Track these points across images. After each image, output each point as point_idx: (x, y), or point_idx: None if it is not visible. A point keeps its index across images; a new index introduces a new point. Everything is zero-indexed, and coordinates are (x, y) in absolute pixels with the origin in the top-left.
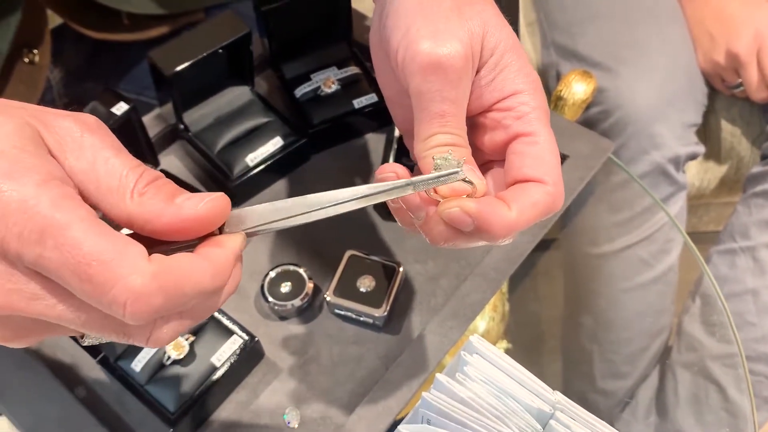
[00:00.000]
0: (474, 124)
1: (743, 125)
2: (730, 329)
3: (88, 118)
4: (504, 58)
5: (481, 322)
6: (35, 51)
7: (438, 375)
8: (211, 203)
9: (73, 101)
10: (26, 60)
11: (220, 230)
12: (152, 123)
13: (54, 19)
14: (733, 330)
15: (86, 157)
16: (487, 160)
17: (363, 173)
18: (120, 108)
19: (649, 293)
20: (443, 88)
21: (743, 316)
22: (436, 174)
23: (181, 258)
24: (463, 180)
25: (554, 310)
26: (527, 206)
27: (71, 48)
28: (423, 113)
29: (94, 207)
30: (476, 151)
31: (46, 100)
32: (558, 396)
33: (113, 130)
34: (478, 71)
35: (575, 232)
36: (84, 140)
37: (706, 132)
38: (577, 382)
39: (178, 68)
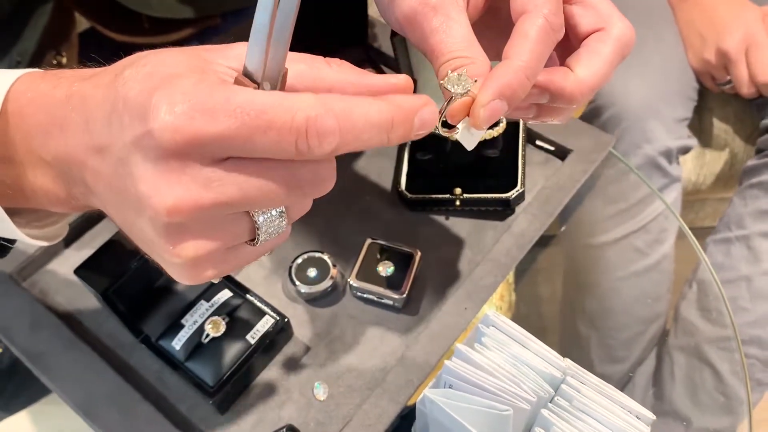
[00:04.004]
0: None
1: (737, 123)
2: (726, 314)
3: None
4: None
5: (489, 311)
6: (63, 53)
7: (458, 345)
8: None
9: None
10: (54, 62)
11: None
12: None
13: (80, 25)
14: (730, 315)
15: None
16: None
17: (379, 168)
18: None
19: (644, 281)
20: (424, 25)
21: (737, 302)
22: None
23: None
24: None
25: (556, 301)
26: (592, 58)
27: (95, 52)
28: (426, 52)
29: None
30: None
31: None
32: (568, 362)
33: None
34: None
35: (573, 223)
36: None
37: (702, 129)
38: None
39: None
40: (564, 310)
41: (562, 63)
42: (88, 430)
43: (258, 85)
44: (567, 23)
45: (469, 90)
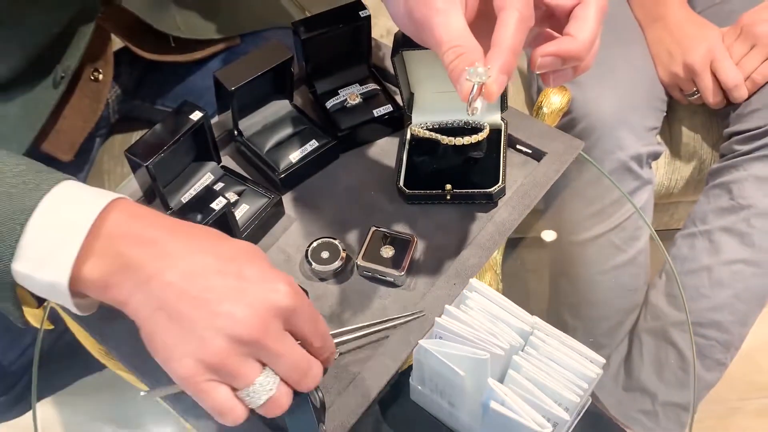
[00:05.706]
0: None
1: (704, 132)
2: (685, 300)
3: None
4: None
5: (473, 279)
6: (100, 70)
7: (447, 306)
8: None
9: (123, 117)
10: (92, 77)
11: None
12: (213, 129)
13: (115, 44)
14: (684, 301)
15: None
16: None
17: (381, 168)
18: (196, 115)
19: (622, 274)
20: (431, 22)
21: (699, 290)
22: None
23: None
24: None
25: (542, 294)
26: (582, 22)
27: (127, 69)
28: (432, 45)
29: None
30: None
31: (103, 115)
32: (536, 319)
33: (191, 133)
34: None
35: (556, 222)
36: None
37: (672, 138)
38: None
39: (238, 85)
40: (550, 302)
41: (562, 34)
42: (115, 417)
43: None
44: (554, 5)
45: (486, 77)
